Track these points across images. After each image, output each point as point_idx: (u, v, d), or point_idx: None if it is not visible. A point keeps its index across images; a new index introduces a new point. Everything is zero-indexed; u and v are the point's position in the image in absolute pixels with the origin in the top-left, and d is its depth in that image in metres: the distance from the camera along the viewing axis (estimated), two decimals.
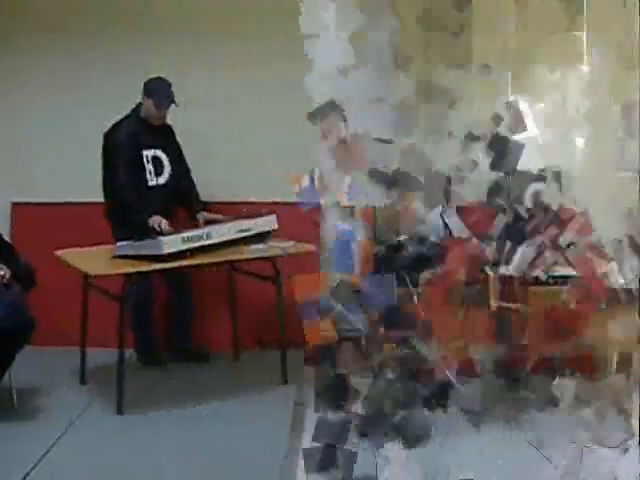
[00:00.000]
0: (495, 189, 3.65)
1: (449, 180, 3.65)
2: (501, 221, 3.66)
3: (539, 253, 3.63)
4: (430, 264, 4.48)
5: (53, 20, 6.18)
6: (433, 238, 5.29)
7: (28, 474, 4.13)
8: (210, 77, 6.23)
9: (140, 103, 5.59)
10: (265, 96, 6.25)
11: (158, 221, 5.38)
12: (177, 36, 6.15)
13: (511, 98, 3.64)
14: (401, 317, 3.45)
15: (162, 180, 5.68)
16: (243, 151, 6.32)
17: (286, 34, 6.15)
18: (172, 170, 5.72)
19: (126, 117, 5.62)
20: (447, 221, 5.29)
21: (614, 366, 3.68)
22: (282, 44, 6.18)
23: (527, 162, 3.84)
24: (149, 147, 5.62)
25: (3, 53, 6.22)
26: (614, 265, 3.72)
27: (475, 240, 3.76)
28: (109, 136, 5.59)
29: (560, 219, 3.64)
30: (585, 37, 6.22)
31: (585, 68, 5.96)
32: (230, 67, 6.24)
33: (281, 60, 6.21)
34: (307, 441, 4.71)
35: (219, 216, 5.64)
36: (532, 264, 3.61)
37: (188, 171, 5.86)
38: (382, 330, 3.43)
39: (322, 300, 3.32)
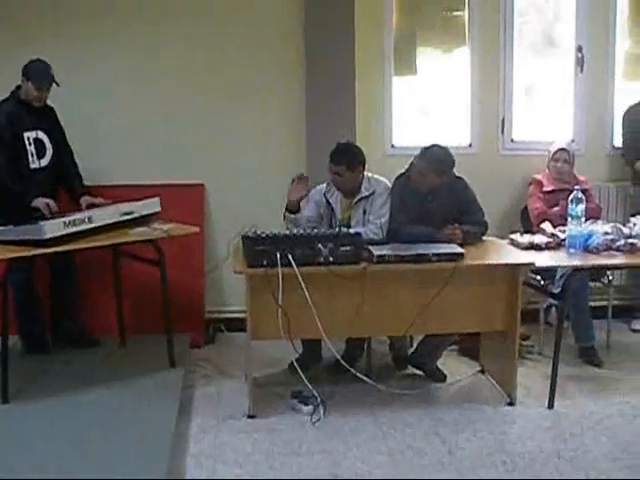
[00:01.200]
0: None
1: None
2: None
3: None
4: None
5: None
6: (310, 213, 5.35)
7: None
8: (91, 61, 6.17)
9: (19, 86, 5.48)
10: (148, 80, 6.23)
11: (45, 203, 5.31)
12: (60, 22, 6.11)
13: None
14: None
15: (44, 162, 5.58)
16: (126, 134, 6.28)
17: (173, 15, 6.19)
18: (54, 152, 5.63)
19: (5, 100, 5.51)
20: (330, 200, 5.37)
21: None
22: (168, 24, 6.20)
23: None
24: (30, 129, 5.51)
25: None
26: None
27: None
28: None
29: None
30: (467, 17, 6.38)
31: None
32: (113, 51, 6.20)
33: (165, 43, 6.20)
34: (196, 424, 4.77)
35: (102, 200, 5.60)
36: None
37: (71, 154, 5.77)
38: None
39: None
